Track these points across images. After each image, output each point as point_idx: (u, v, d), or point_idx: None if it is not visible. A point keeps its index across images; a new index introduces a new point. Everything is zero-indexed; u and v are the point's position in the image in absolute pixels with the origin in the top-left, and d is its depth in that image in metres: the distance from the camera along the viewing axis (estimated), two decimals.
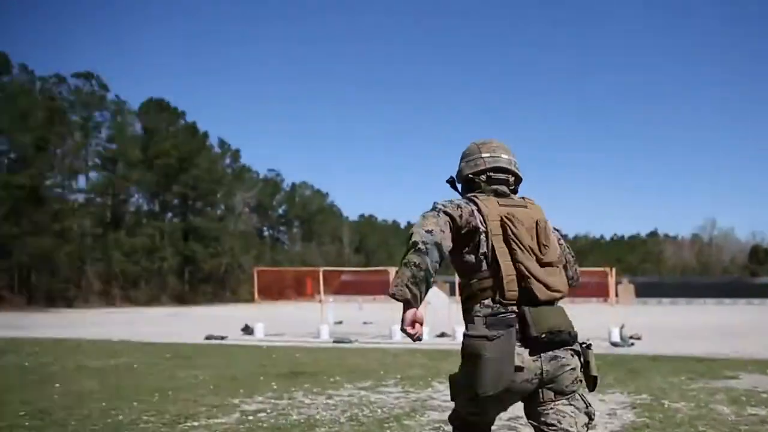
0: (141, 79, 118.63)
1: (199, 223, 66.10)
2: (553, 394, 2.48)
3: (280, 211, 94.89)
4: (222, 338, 15.94)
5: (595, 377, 2.56)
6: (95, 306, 51.30)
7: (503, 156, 2.69)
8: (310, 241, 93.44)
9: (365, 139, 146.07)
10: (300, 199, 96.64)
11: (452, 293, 17.73)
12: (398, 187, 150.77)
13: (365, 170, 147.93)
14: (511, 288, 2.44)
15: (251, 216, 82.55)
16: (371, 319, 25.63)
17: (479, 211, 2.50)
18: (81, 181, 57.13)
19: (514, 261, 2.46)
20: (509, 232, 2.49)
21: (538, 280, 2.46)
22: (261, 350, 12.79)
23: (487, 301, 2.47)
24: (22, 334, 17.39)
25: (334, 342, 15.16)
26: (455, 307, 12.32)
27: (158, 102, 63.57)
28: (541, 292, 2.46)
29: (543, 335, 2.40)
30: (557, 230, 2.77)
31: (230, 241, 69.95)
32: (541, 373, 2.42)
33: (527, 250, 2.49)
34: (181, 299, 62.76)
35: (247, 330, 17.91)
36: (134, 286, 58.31)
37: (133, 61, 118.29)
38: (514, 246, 2.48)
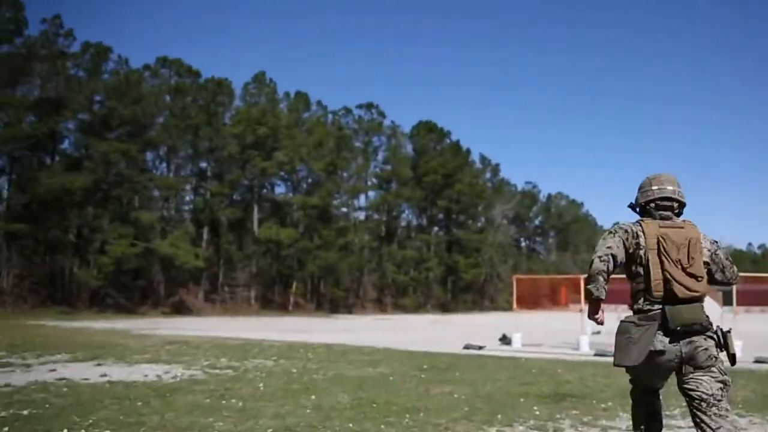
0: (412, 104, 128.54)
1: (461, 235, 69.76)
2: (692, 368, 3.33)
3: (537, 222, 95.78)
4: (480, 348, 15.64)
5: (734, 354, 3.39)
6: (370, 312, 57.33)
7: (668, 187, 3.56)
8: (565, 251, 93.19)
9: (619, 149, 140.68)
10: (555, 210, 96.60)
11: (726, 303, 16.82)
12: None
13: (618, 179, 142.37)
14: (658, 289, 3.33)
15: (509, 227, 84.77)
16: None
17: (642, 231, 3.43)
18: (361, 200, 64.14)
19: (663, 269, 3.33)
20: (661, 247, 3.36)
21: (680, 284, 3.30)
22: (519, 363, 12.06)
23: (641, 300, 3.41)
24: (304, 338, 19.20)
25: (595, 355, 14.38)
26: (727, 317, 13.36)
27: (427, 123, 68.47)
28: (681, 292, 3.30)
29: (678, 327, 3.27)
30: (716, 242, 3.59)
31: (489, 251, 72.73)
32: (681, 354, 3.30)
33: (674, 262, 3.34)
34: (444, 307, 66.97)
35: (505, 340, 17.83)
36: (403, 294, 63.65)
37: (404, 88, 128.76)
38: (664, 258, 3.34)
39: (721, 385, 3.34)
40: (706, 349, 3.33)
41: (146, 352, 13.37)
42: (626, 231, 3.51)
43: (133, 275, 40.92)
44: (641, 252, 3.43)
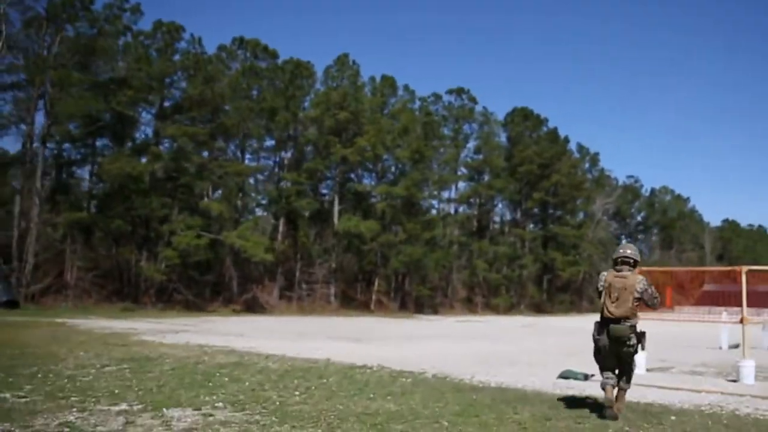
0: (506, 91, 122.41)
1: (558, 231, 64.34)
2: (615, 347, 7.05)
3: (639, 218, 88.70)
4: (585, 378, 11.06)
5: (643, 345, 7.35)
6: (459, 312, 53.16)
7: (627, 251, 7.21)
8: (669, 249, 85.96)
9: (725, 139, 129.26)
10: (659, 205, 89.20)
11: None
12: (764, 191, 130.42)
13: (728, 173, 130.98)
14: (602, 311, 7.07)
15: (609, 223, 78.29)
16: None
17: (605, 278, 7.15)
18: (451, 192, 59.80)
19: (603, 300, 7.05)
20: (608, 288, 7.04)
21: (608, 309, 6.97)
22: (661, 416, 7.77)
23: (599, 316, 7.15)
24: (368, 351, 16.03)
25: None
26: None
27: (522, 110, 63.30)
28: (608, 313, 6.97)
29: (607, 330, 7.01)
30: (645, 284, 7.03)
31: (588, 248, 66.91)
32: (609, 340, 7.03)
33: (609, 297, 6.99)
34: (539, 308, 61.96)
35: None
36: (495, 293, 59.04)
37: (499, 73, 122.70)
38: (605, 294, 7.04)
39: (630, 360, 7.33)
40: (625, 340, 7.03)
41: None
42: (601, 277, 7.29)
43: (203, 270, 38.58)
44: (603, 289, 7.15)
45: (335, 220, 46.67)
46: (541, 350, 17.97)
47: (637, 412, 7.88)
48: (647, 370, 13.12)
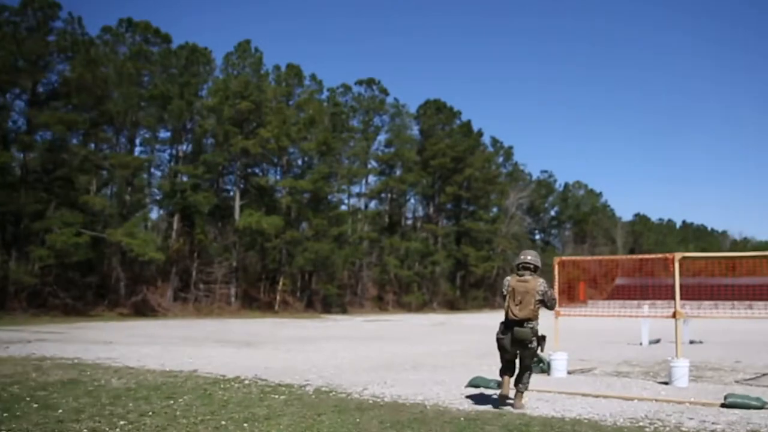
0: (419, 83, 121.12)
1: (472, 226, 63.49)
2: (518, 348, 7.48)
3: (552, 212, 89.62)
4: (497, 386, 8.57)
5: (542, 347, 7.67)
6: (369, 311, 51.15)
7: (528, 257, 7.62)
8: (582, 243, 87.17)
9: (636, 134, 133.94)
10: (572, 200, 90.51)
11: None
12: (673, 185, 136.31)
13: (639, 168, 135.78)
14: (506, 313, 7.49)
15: (523, 218, 78.40)
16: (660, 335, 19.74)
17: (509, 283, 7.54)
18: (360, 186, 57.73)
19: (508, 303, 7.48)
20: (511, 292, 7.46)
21: (512, 312, 7.38)
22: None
23: (504, 317, 7.58)
24: (251, 357, 13.98)
25: (727, 405, 8.05)
26: None
27: (435, 102, 62.03)
28: (512, 316, 7.39)
29: (511, 331, 7.42)
30: (545, 287, 7.46)
31: (503, 243, 66.44)
32: (511, 341, 7.44)
33: (513, 300, 7.41)
34: (452, 305, 60.86)
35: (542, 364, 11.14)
36: (407, 291, 57.43)
37: (411, 65, 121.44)
38: (509, 298, 7.46)
39: (530, 362, 7.63)
40: (523, 341, 7.42)
41: None
42: (505, 281, 7.69)
43: (85, 271, 34.77)
44: (507, 293, 7.55)
45: (236, 216, 43.64)
46: (450, 351, 16.09)
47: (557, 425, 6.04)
48: (568, 372, 11.42)
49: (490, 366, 12.62)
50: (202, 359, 13.24)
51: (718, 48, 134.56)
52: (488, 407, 7.85)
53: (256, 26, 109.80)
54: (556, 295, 9.71)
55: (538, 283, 7.38)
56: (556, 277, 11.51)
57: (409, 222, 65.24)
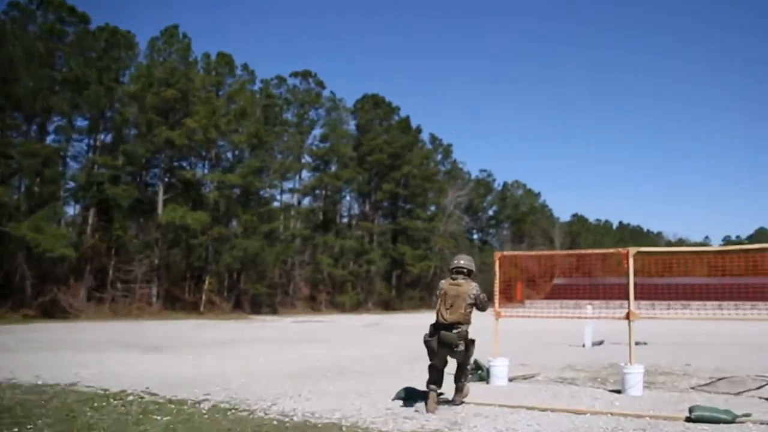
0: (356, 77, 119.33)
1: (409, 224, 62.32)
2: (445, 351, 7.34)
3: (491, 212, 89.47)
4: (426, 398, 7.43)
5: (471, 351, 7.54)
6: (301, 312, 49.28)
7: (461, 261, 7.55)
8: (521, 243, 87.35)
9: (575, 135, 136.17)
10: (511, 199, 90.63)
11: None
12: (611, 186, 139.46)
13: (577, 169, 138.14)
14: (437, 316, 7.38)
15: (462, 217, 77.79)
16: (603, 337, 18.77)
17: (442, 287, 7.52)
18: (294, 182, 55.72)
19: (439, 306, 7.41)
20: (443, 295, 7.41)
21: (442, 315, 7.31)
22: None
23: (435, 320, 7.43)
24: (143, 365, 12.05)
25: (693, 420, 6.86)
26: None
27: (373, 97, 60.59)
28: (442, 319, 7.30)
29: (440, 335, 7.30)
30: (477, 290, 7.39)
31: (440, 242, 65.53)
32: (438, 344, 7.31)
33: (444, 304, 7.34)
34: (388, 305, 59.53)
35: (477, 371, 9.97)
36: (341, 290, 55.80)
37: (349, 60, 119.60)
38: (440, 301, 7.40)
39: (463, 366, 7.59)
40: (449, 344, 7.29)
41: None
42: (440, 285, 7.61)
43: None
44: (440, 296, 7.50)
45: (160, 210, 41.08)
46: (381, 355, 14.65)
47: None
48: (510, 379, 10.10)
49: (423, 371, 11.23)
50: (91, 369, 11.41)
51: (657, 46, 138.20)
52: (418, 426, 6.43)
53: (184, 12, 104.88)
54: (497, 293, 9.82)
55: (471, 287, 7.37)
56: (497, 273, 10.23)
57: (345, 220, 63.62)
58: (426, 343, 7.40)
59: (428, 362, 7.55)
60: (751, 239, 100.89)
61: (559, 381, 10.46)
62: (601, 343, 17.68)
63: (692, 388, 9.81)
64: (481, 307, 7.44)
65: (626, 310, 9.19)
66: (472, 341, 7.45)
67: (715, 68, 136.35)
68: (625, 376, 9.03)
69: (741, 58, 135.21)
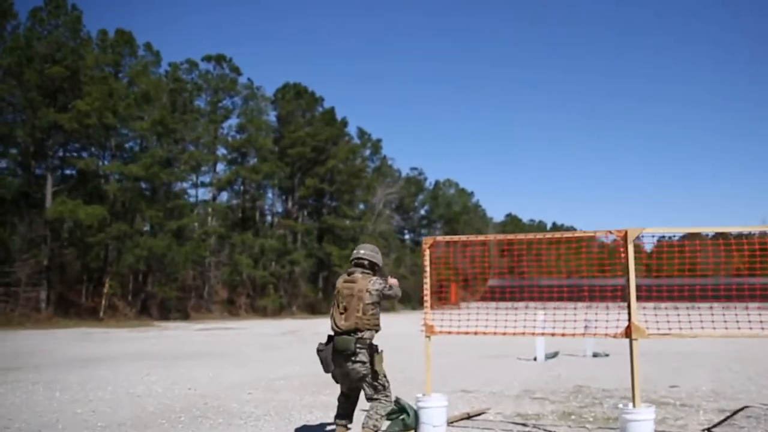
0: (276, 65, 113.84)
1: (335, 222, 58.65)
2: (342, 365, 5.24)
3: (423, 211, 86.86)
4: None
5: (375, 370, 5.22)
6: (218, 317, 44.86)
7: (360, 252, 5.51)
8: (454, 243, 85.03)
9: (511, 138, 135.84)
10: (443, 198, 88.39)
11: None
12: (543, 187, 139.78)
13: (510, 168, 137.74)
14: (331, 323, 5.33)
15: (392, 215, 74.65)
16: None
17: (336, 285, 5.47)
18: (209, 176, 50.99)
19: (332, 311, 5.38)
20: (336, 297, 5.35)
21: (335, 322, 5.27)
22: None
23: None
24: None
25: None
26: None
27: (295, 86, 56.56)
28: (335, 326, 5.25)
29: (335, 342, 5.23)
30: (381, 284, 5.29)
31: (369, 242, 61.98)
32: (333, 353, 5.22)
33: (337, 307, 5.31)
34: (314, 308, 55.63)
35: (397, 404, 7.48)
36: (262, 293, 51.57)
37: (267, 47, 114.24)
38: (334, 304, 5.36)
39: (372, 389, 5.30)
40: (353, 369, 5.23)
41: None
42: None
43: None
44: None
45: (48, 204, 36.02)
46: (282, 377, 11.01)
47: None
48: (449, 422, 6.59)
49: (326, 406, 7.76)
50: None
51: (592, 46, 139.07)
52: None
53: None
54: (428, 294, 6.89)
55: (369, 282, 5.35)
56: (427, 266, 6.86)
57: (268, 218, 59.35)
58: (318, 353, 5.40)
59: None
60: None
61: (520, 422, 7.05)
62: (555, 355, 14.47)
63: (707, 430, 6.68)
64: (391, 293, 5.40)
65: (619, 322, 5.94)
66: (376, 348, 5.36)
67: (647, 59, 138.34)
68: (628, 424, 5.65)
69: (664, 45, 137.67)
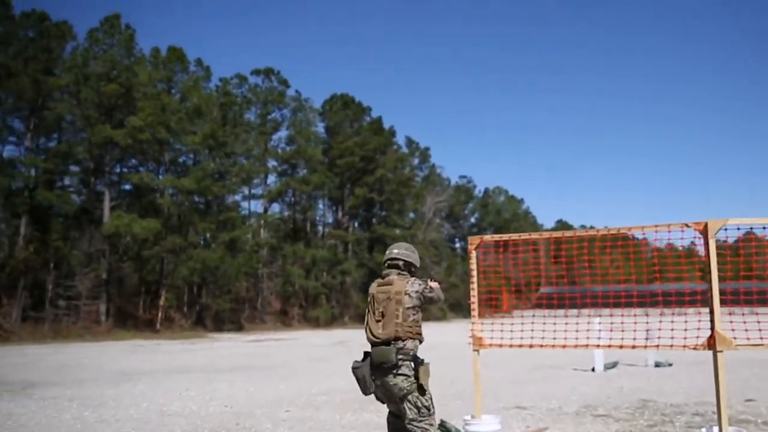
0: (323, 75, 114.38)
1: (385, 232, 58.43)
2: (381, 381, 4.46)
3: (472, 219, 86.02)
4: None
5: (421, 384, 4.43)
6: (271, 328, 45.15)
7: (394, 251, 4.86)
8: (504, 251, 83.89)
9: (558, 141, 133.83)
10: (493, 206, 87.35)
11: None
12: (594, 192, 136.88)
13: (560, 174, 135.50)
14: (366, 334, 4.58)
15: (442, 224, 74.13)
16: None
17: (370, 291, 4.78)
18: (260, 187, 51.59)
19: (366, 319, 4.66)
20: (371, 302, 4.67)
21: (371, 331, 4.53)
22: None
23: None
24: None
25: None
26: None
27: (342, 97, 56.77)
28: (371, 336, 4.51)
29: (372, 355, 4.48)
30: (420, 285, 4.57)
31: (419, 251, 61.61)
32: (370, 369, 4.47)
33: (373, 314, 4.59)
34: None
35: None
36: (314, 304, 51.71)
37: (315, 59, 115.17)
38: (369, 311, 4.66)
39: (416, 411, 4.45)
40: (395, 384, 4.42)
41: None
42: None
43: None
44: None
45: (106, 219, 36.89)
46: (323, 393, 10.74)
47: None
48: None
49: (368, 426, 7.49)
50: None
51: (644, 49, 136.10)
52: None
53: (131, 4, 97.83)
54: (475, 300, 6.30)
55: (408, 284, 4.63)
56: (474, 267, 6.38)
57: (319, 229, 59.60)
58: (354, 372, 4.62)
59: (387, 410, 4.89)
60: None
61: None
62: (614, 365, 13.87)
63: None
64: (434, 296, 4.71)
65: (701, 333, 5.35)
66: (422, 362, 4.58)
67: (709, 70, 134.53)
68: None
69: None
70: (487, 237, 6.61)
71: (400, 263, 4.80)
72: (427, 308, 4.93)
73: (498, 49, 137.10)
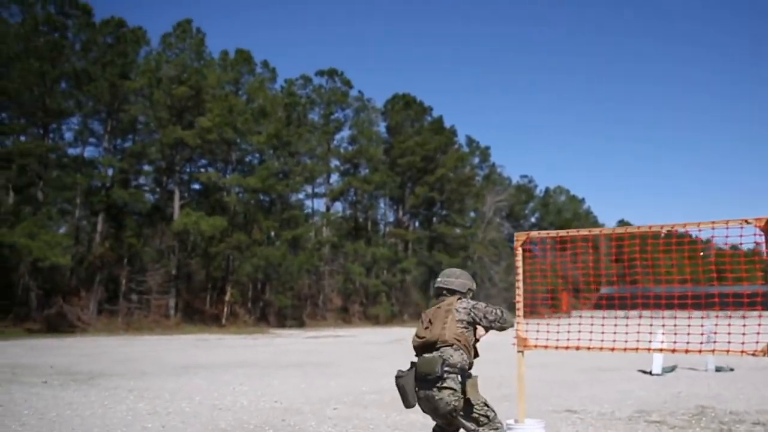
0: (386, 76, 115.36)
1: (445, 231, 58.59)
2: (426, 394, 4.26)
3: (533, 219, 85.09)
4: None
5: (468, 399, 4.22)
6: (332, 324, 46.08)
7: (438, 279, 4.82)
8: (564, 251, 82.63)
9: (619, 139, 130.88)
10: (554, 205, 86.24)
11: None
12: (656, 191, 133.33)
13: (623, 173, 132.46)
14: (413, 344, 4.50)
15: (502, 223, 73.65)
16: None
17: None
18: (322, 186, 52.65)
19: (416, 332, 4.55)
20: (421, 320, 4.58)
21: (418, 335, 4.46)
22: None
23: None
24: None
25: None
26: None
27: (404, 97, 57.20)
28: (418, 340, 4.43)
29: (417, 364, 4.35)
30: (471, 303, 4.51)
31: (479, 250, 61.61)
32: (415, 380, 4.32)
33: (421, 324, 4.51)
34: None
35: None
36: (374, 302, 52.38)
37: (379, 59, 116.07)
38: (418, 326, 4.56)
39: (473, 425, 4.28)
40: (440, 398, 4.19)
41: None
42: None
43: None
44: None
45: (176, 216, 38.41)
46: (374, 391, 11.05)
47: None
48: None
49: (413, 427, 7.73)
50: None
51: (709, 52, 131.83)
52: None
53: (201, 9, 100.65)
54: (520, 301, 6.07)
55: (458, 301, 4.58)
56: (520, 265, 6.18)
57: (381, 226, 60.24)
58: (396, 381, 4.43)
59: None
60: None
61: None
62: (673, 369, 13.81)
63: None
64: (495, 324, 4.47)
65: (761, 338, 5.36)
66: (469, 375, 4.35)
67: None
68: None
69: None
70: (534, 233, 6.44)
71: (444, 291, 4.74)
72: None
73: (554, 48, 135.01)
